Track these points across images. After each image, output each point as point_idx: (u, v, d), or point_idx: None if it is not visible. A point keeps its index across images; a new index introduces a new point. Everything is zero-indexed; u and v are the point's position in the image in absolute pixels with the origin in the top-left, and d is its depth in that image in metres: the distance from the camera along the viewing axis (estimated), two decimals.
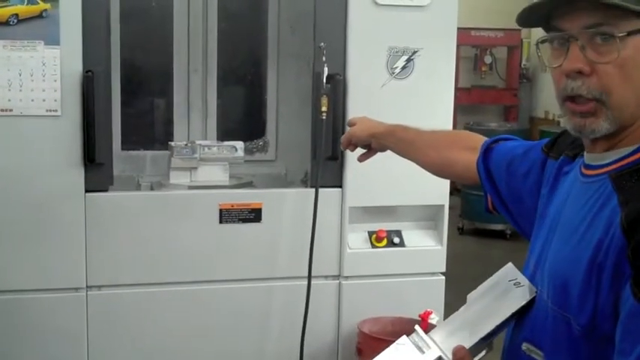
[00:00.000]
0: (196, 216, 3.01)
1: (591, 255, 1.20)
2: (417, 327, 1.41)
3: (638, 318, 1.11)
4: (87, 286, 2.91)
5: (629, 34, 1.20)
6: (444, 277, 3.28)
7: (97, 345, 2.94)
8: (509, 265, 1.46)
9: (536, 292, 1.39)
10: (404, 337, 1.40)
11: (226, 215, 3.01)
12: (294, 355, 3.03)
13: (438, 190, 3.23)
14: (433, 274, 3.28)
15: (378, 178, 3.13)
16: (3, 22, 2.70)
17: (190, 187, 3.17)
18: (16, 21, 2.71)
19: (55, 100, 2.78)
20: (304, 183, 3.35)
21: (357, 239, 3.19)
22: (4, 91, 2.73)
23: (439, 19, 3.10)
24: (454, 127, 9.44)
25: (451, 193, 9.60)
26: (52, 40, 2.74)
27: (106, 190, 2.93)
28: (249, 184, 3.32)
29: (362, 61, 3.07)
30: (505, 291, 1.42)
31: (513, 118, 9.79)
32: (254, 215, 3.05)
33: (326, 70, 2.99)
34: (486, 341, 1.40)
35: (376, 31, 3.06)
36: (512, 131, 8.03)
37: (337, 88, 3.02)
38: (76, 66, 2.79)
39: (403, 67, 3.10)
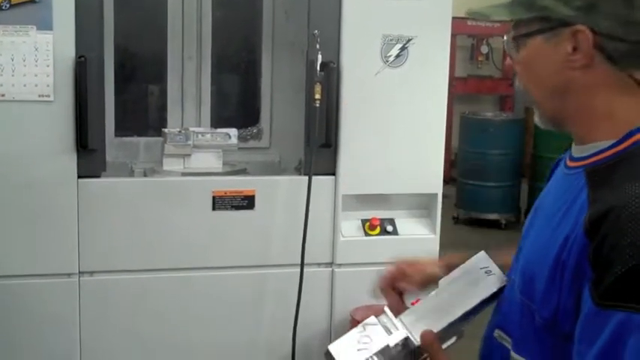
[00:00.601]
0: (189, 203, 3.01)
1: (557, 251, 1.18)
2: (385, 308, 1.41)
3: (595, 321, 1.09)
4: (79, 272, 2.91)
5: (525, 35, 1.27)
6: None
7: (89, 331, 2.95)
8: (482, 253, 1.46)
9: (506, 281, 1.39)
10: (372, 317, 1.40)
11: (219, 202, 3.01)
12: (287, 342, 3.03)
13: (431, 179, 3.23)
14: None
15: (372, 166, 3.13)
16: None
17: (183, 174, 3.16)
18: (8, 6, 2.69)
19: (48, 86, 2.77)
20: (298, 170, 3.34)
21: (350, 227, 3.19)
22: None
23: (434, 7, 3.09)
24: (450, 116, 9.48)
25: (446, 182, 9.59)
26: (45, 25, 2.73)
27: (98, 176, 2.92)
28: (242, 172, 3.31)
29: (356, 49, 3.05)
30: (476, 278, 1.42)
31: (509, 108, 9.78)
32: (247, 202, 3.04)
33: (320, 57, 2.98)
34: (455, 327, 1.40)
35: (370, 18, 3.05)
36: (507, 121, 8.02)
37: (331, 75, 3.00)
38: (69, 51, 2.78)
39: (397, 55, 3.08)
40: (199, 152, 3.24)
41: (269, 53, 3.58)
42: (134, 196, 2.96)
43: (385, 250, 3.20)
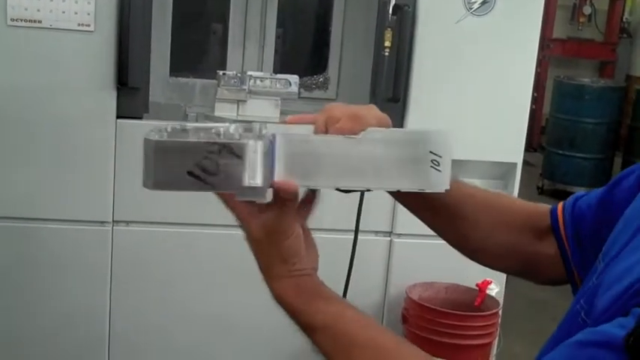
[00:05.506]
0: None
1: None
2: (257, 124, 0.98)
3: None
4: (113, 221, 2.69)
5: None
6: None
7: (120, 285, 2.74)
8: (447, 133, 1.07)
9: (446, 190, 1.03)
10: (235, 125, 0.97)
11: None
12: None
13: (511, 146, 2.90)
14: None
15: (445, 126, 2.78)
16: None
17: (235, 122, 2.89)
18: None
19: (89, 14, 2.52)
20: None
21: None
22: None
23: None
24: (544, 80, 8.91)
25: (534, 150, 9.04)
26: None
27: (140, 118, 2.67)
28: None
29: None
30: (415, 160, 1.04)
31: (609, 75, 9.19)
32: None
33: None
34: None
35: None
36: (605, 88, 7.49)
37: (404, 20, 2.67)
38: None
39: (483, 2, 2.73)
40: (255, 99, 2.95)
41: None
42: None
43: None
